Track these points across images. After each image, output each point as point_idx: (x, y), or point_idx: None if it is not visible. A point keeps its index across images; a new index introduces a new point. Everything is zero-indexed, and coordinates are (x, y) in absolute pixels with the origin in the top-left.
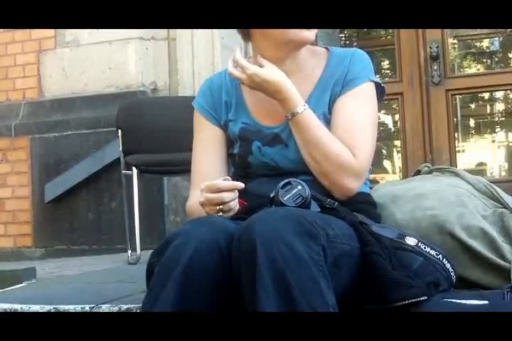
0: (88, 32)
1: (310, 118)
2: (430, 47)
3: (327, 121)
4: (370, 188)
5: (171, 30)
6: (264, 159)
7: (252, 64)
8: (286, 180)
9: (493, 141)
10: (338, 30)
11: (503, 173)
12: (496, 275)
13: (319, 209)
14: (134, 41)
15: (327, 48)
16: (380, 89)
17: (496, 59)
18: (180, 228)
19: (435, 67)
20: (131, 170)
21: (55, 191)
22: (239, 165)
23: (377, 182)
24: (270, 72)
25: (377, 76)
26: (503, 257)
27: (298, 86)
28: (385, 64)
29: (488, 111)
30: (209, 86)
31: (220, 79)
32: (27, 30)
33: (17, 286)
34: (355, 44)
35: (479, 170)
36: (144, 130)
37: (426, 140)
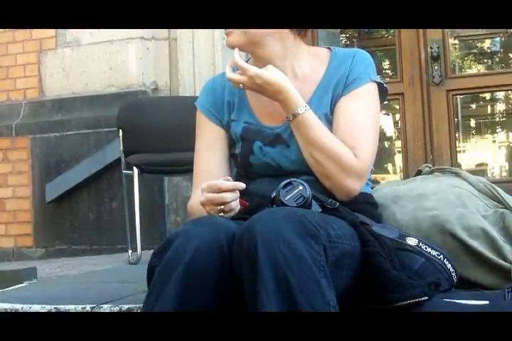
0: (89, 32)
1: (311, 119)
2: (431, 48)
3: (329, 121)
4: (372, 188)
5: (172, 30)
6: (266, 159)
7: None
8: (288, 180)
9: (494, 142)
10: (339, 30)
11: (504, 173)
12: (497, 275)
13: (320, 210)
14: (135, 41)
15: (329, 48)
16: (382, 90)
17: (497, 59)
18: (181, 228)
19: (436, 67)
20: (132, 170)
21: (55, 191)
22: (241, 165)
23: (378, 182)
24: (271, 73)
25: (378, 76)
26: (503, 257)
27: (299, 87)
28: (386, 64)
29: (489, 111)
30: (212, 86)
31: (223, 79)
32: (28, 30)
33: (18, 286)
34: (356, 44)
35: (480, 171)
36: (145, 130)
37: (427, 140)
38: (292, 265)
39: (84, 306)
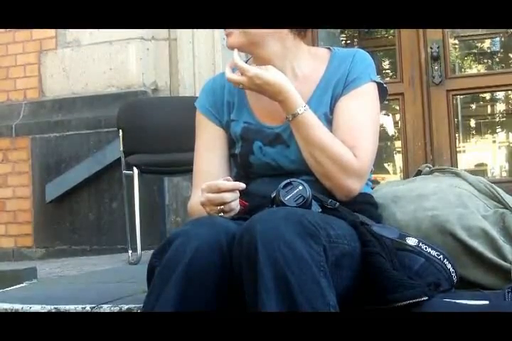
0: (89, 32)
1: (310, 119)
2: (431, 48)
3: (329, 121)
4: (372, 188)
5: (172, 31)
6: (266, 159)
7: (251, 65)
8: (287, 181)
9: (494, 142)
10: (339, 30)
11: (504, 174)
12: (497, 275)
13: (320, 210)
14: (135, 41)
15: (329, 48)
16: (382, 90)
17: (497, 59)
18: (181, 228)
19: (436, 67)
20: (132, 170)
21: (55, 191)
22: (240, 165)
23: (378, 182)
24: (271, 74)
25: (378, 76)
26: (503, 257)
27: (299, 87)
28: (386, 64)
29: (489, 111)
30: (212, 86)
31: (223, 79)
32: (28, 31)
33: (18, 286)
34: (356, 44)
35: (480, 171)
36: (145, 130)
37: (427, 140)
38: (292, 265)
39: (84, 306)
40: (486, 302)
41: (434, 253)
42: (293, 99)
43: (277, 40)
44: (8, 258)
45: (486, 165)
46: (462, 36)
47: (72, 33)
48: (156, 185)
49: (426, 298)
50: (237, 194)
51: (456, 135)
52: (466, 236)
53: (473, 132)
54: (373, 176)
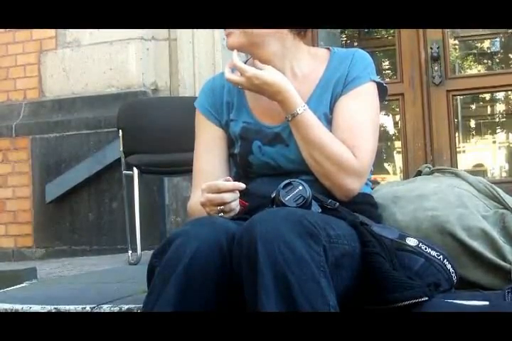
0: (89, 32)
1: (310, 119)
2: (431, 48)
3: (328, 121)
4: (372, 189)
5: (172, 31)
6: (265, 158)
7: (251, 65)
8: (287, 181)
9: (494, 142)
10: (339, 30)
11: (504, 174)
12: (497, 275)
13: (320, 210)
14: (135, 41)
15: (328, 49)
16: (382, 89)
17: (497, 60)
18: (181, 228)
19: (436, 67)
20: (132, 170)
21: (55, 191)
22: (240, 164)
23: (378, 183)
24: (269, 74)
25: (378, 76)
26: (503, 258)
27: (298, 87)
28: (386, 64)
29: (489, 111)
30: (211, 86)
31: (222, 79)
32: (28, 31)
33: (18, 286)
34: (355, 44)
35: (480, 171)
36: (145, 130)
37: (426, 140)
38: (292, 265)
39: (84, 306)
40: (486, 302)
41: (434, 253)
42: (292, 99)
43: (277, 40)
44: (8, 258)
45: (486, 165)
46: (462, 36)
47: (72, 33)
48: (156, 185)
49: (426, 298)
50: (237, 194)
51: (456, 135)
52: (466, 237)
53: (473, 132)
54: (373, 176)
